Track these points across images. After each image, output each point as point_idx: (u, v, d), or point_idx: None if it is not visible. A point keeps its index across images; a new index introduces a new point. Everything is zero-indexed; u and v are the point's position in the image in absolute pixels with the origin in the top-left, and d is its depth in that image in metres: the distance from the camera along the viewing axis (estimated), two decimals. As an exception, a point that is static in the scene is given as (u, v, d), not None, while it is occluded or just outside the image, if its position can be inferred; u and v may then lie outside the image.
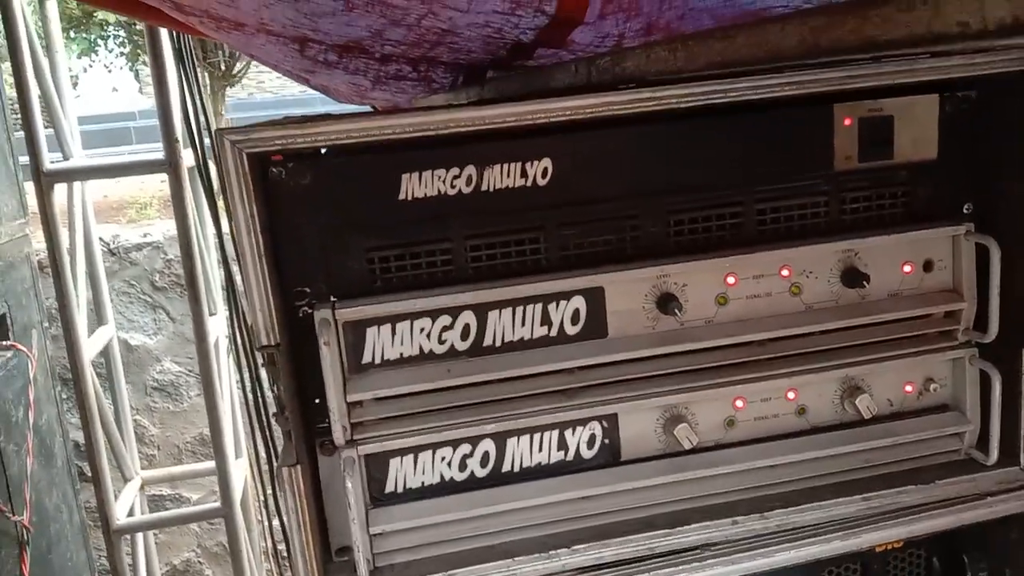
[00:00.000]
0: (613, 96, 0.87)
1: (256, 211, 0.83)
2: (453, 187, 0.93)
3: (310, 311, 0.91)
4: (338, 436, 0.90)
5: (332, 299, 0.91)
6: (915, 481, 1.04)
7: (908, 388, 1.07)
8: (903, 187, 1.04)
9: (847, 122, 1.01)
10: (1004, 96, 0.99)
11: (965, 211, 1.05)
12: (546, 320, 0.96)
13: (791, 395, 1.04)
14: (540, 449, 0.99)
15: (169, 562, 3.81)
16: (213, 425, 2.52)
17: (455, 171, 0.93)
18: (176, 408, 3.76)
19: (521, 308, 0.95)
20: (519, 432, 0.98)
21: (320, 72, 1.55)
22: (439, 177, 0.92)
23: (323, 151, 0.90)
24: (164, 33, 2.58)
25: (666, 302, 0.97)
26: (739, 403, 1.03)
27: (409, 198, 0.92)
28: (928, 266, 1.04)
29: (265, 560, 3.09)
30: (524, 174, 0.94)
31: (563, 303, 0.96)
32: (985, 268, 1.01)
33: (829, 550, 1.01)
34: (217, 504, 2.64)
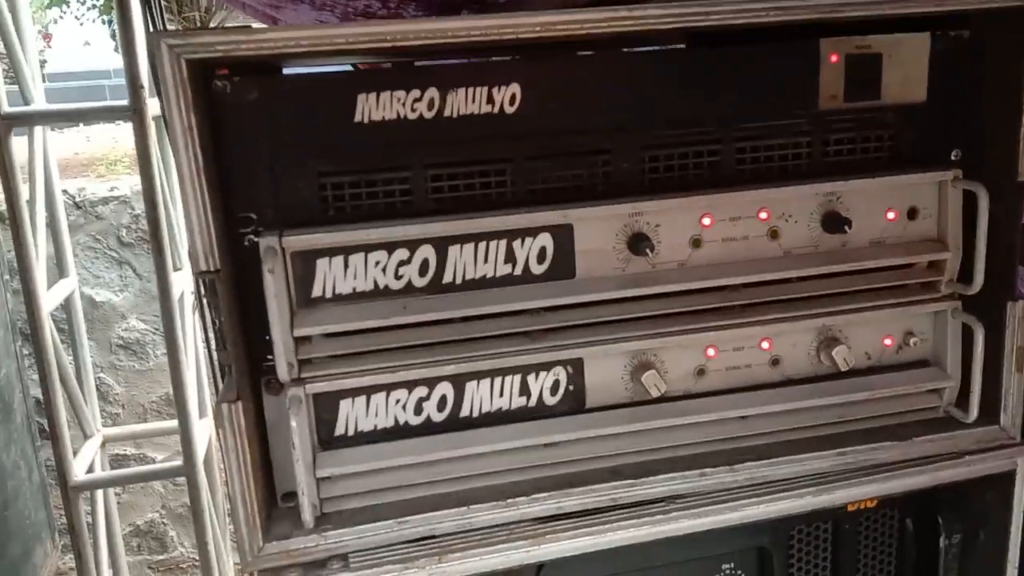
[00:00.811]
0: (587, 14, 0.81)
1: (194, 123, 0.76)
2: (413, 111, 0.87)
3: (256, 239, 0.84)
4: (283, 372, 0.84)
5: (280, 227, 0.85)
6: (892, 437, 1.00)
7: (887, 341, 1.03)
8: (890, 130, 0.99)
9: (833, 58, 0.95)
10: (999, 34, 0.94)
11: (953, 158, 1.00)
12: (510, 257, 0.91)
13: (765, 345, 0.99)
14: (501, 394, 0.94)
15: (132, 523, 3.74)
16: (176, 382, 2.45)
17: (415, 93, 0.86)
18: (142, 367, 3.67)
19: (484, 244, 0.90)
20: (479, 375, 0.93)
21: (286, 7, 1.47)
22: (398, 99, 0.86)
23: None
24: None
25: (638, 242, 0.92)
26: (711, 351, 0.98)
27: (366, 121, 0.86)
28: (912, 214, 1.00)
29: (230, 522, 3.04)
30: (491, 100, 0.88)
31: (529, 240, 0.91)
32: (972, 218, 0.97)
33: (800, 506, 0.97)
34: (179, 463, 2.58)
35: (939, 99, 0.99)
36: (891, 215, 0.99)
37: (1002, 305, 0.98)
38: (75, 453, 2.70)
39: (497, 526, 0.91)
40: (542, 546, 0.90)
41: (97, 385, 3.46)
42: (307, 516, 0.86)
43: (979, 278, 0.96)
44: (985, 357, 0.99)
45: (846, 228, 0.95)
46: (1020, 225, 0.95)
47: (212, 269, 0.79)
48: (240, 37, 0.76)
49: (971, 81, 0.98)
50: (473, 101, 0.88)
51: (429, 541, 0.89)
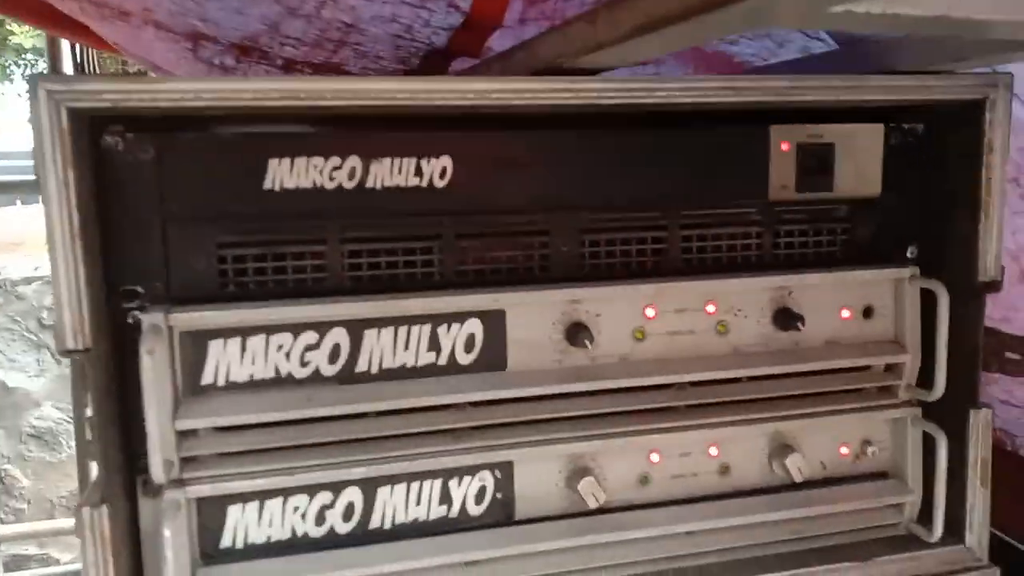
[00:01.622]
0: (524, 83, 0.75)
1: (71, 180, 0.67)
2: (332, 180, 0.78)
3: (141, 316, 0.74)
4: (157, 471, 0.72)
5: (170, 302, 0.74)
6: (850, 557, 0.91)
7: (843, 450, 0.95)
8: (843, 223, 0.93)
9: (784, 147, 0.90)
10: (954, 128, 0.90)
11: (910, 255, 0.95)
12: (435, 345, 0.81)
13: (713, 451, 0.90)
14: (418, 502, 0.83)
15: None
16: (81, 475, 2.25)
17: (335, 161, 0.78)
18: (53, 458, 3.43)
19: (405, 329, 0.80)
20: (393, 480, 0.82)
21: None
22: (315, 166, 0.78)
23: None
24: (66, 51, 2.42)
25: (576, 333, 0.83)
26: (654, 457, 0.89)
27: (277, 188, 0.77)
28: (868, 312, 0.93)
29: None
30: (419, 172, 0.80)
31: (456, 326, 0.82)
32: (931, 318, 0.90)
33: (752, 636, 0.86)
34: (78, 567, 2.35)
35: (894, 193, 0.94)
36: (846, 313, 0.92)
37: (965, 413, 0.91)
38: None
39: (406, 660, 0.78)
40: None
41: (2, 477, 3.21)
42: (178, 646, 0.73)
43: (940, 383, 0.90)
44: (949, 469, 0.91)
45: (799, 326, 0.88)
46: (982, 327, 0.89)
47: (80, 348, 0.68)
48: (132, 86, 0.67)
49: (927, 176, 0.94)
50: (399, 172, 0.80)
51: (325, 677, 0.76)
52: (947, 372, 0.89)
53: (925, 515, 0.94)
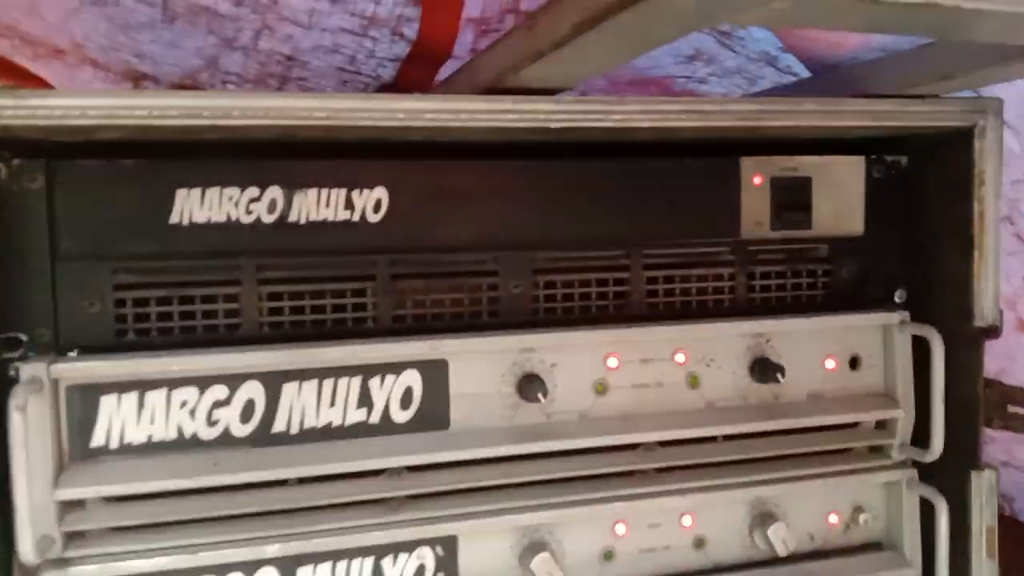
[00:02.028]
0: (462, 102, 0.66)
1: (-69, 207, 0.58)
2: (249, 213, 0.69)
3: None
4: (27, 550, 0.60)
5: (58, 352, 0.65)
6: (844, 643, 0.80)
7: (832, 519, 0.85)
8: (823, 264, 0.85)
9: (757, 180, 0.82)
10: (940, 160, 0.83)
11: (898, 299, 0.87)
12: (366, 401, 0.71)
13: (687, 521, 0.80)
14: (347, 583, 0.72)
15: None
16: None
17: (253, 192, 0.69)
18: None
19: (331, 382, 0.70)
20: (317, 558, 0.71)
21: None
22: (230, 198, 0.69)
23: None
24: None
25: (529, 385, 0.74)
26: (620, 529, 0.78)
27: (185, 223, 0.68)
28: (855, 363, 0.84)
29: None
30: (349, 205, 0.72)
31: (391, 378, 0.72)
32: (925, 369, 0.82)
33: None
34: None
35: (878, 231, 0.86)
36: (830, 364, 0.83)
37: (966, 475, 0.82)
38: None
39: None
40: None
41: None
42: None
43: (937, 442, 0.80)
44: (951, 539, 0.81)
45: (779, 377, 0.79)
46: (982, 378, 0.81)
47: (-65, 404, 0.58)
48: (6, 101, 0.58)
49: (914, 212, 0.86)
50: (327, 205, 0.71)
51: None
52: (945, 429, 0.80)
53: (927, 591, 0.84)
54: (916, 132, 0.80)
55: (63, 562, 0.64)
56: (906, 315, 0.84)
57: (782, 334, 0.81)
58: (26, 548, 0.61)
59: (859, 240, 0.86)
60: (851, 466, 0.83)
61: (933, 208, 0.85)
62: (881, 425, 0.84)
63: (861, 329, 0.84)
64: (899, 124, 0.77)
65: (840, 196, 0.85)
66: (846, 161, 0.85)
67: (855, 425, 0.84)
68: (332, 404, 0.70)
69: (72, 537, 0.64)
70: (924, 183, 0.85)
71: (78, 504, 0.65)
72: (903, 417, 0.83)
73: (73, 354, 0.65)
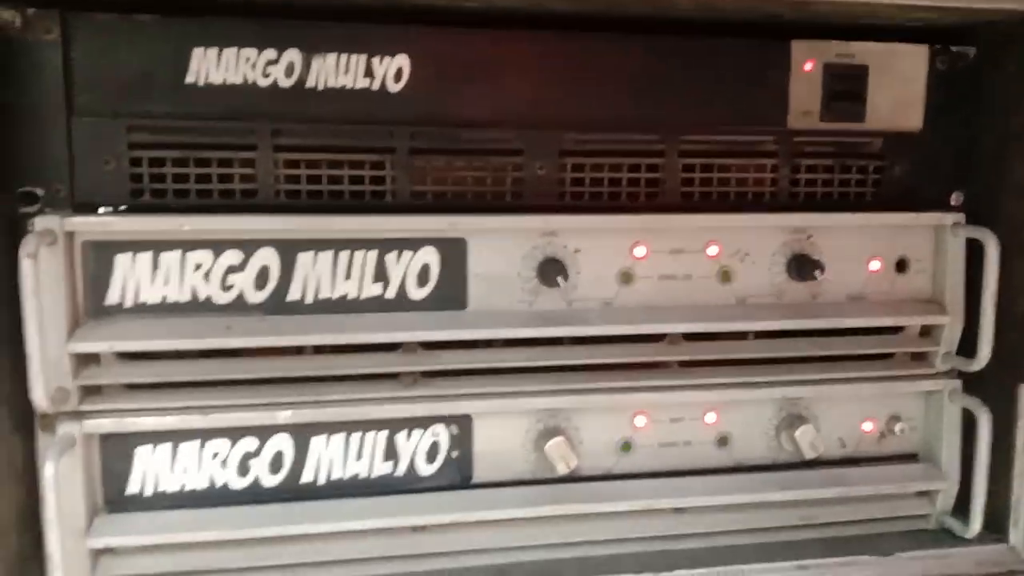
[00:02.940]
0: (489, -39, 0.63)
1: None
2: (266, 76, 0.67)
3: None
4: (40, 398, 0.61)
5: (73, 210, 0.64)
6: (868, 550, 0.77)
7: (867, 426, 0.81)
8: (875, 161, 0.80)
9: (808, 67, 0.77)
10: (1012, 54, 0.76)
11: (953, 202, 0.81)
12: (382, 275, 0.70)
13: (710, 418, 0.77)
14: (359, 456, 0.72)
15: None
16: None
17: (270, 54, 0.67)
18: None
19: (347, 254, 0.69)
20: (329, 428, 0.71)
21: None
22: (247, 59, 0.67)
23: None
24: None
25: (550, 270, 0.71)
26: (639, 420, 0.76)
27: (201, 82, 0.66)
28: (902, 265, 0.80)
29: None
30: (370, 72, 0.69)
31: (408, 254, 0.70)
32: (976, 275, 0.76)
33: (745, 635, 0.73)
34: None
35: (938, 129, 0.80)
36: (875, 265, 0.79)
37: (1013, 388, 0.77)
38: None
39: (331, 636, 0.67)
40: (389, 668, 0.66)
41: None
42: (58, 602, 0.63)
43: (984, 351, 0.76)
44: (992, 454, 0.77)
45: (817, 274, 0.75)
46: (1038, 283, 0.75)
47: (-52, 248, 0.58)
48: (15, -61, 0.57)
49: (979, 109, 0.80)
50: (346, 71, 0.69)
51: (234, 650, 0.66)
52: (993, 339, 0.75)
53: (961, 507, 0.81)
54: (988, 19, 0.73)
55: (78, 415, 0.65)
56: (961, 217, 0.78)
57: (825, 230, 0.77)
58: (39, 396, 0.61)
59: (916, 137, 0.80)
60: (891, 373, 0.79)
61: (1000, 107, 0.78)
62: (926, 332, 0.80)
63: (911, 229, 0.79)
64: (969, 6, 0.71)
65: (898, 88, 0.79)
66: (908, 50, 0.78)
67: (898, 330, 0.80)
68: (348, 276, 0.69)
69: (87, 392, 0.65)
70: (992, 79, 0.79)
71: (93, 360, 0.65)
72: (950, 324, 0.78)
73: (88, 211, 0.64)
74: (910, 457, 0.82)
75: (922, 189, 0.80)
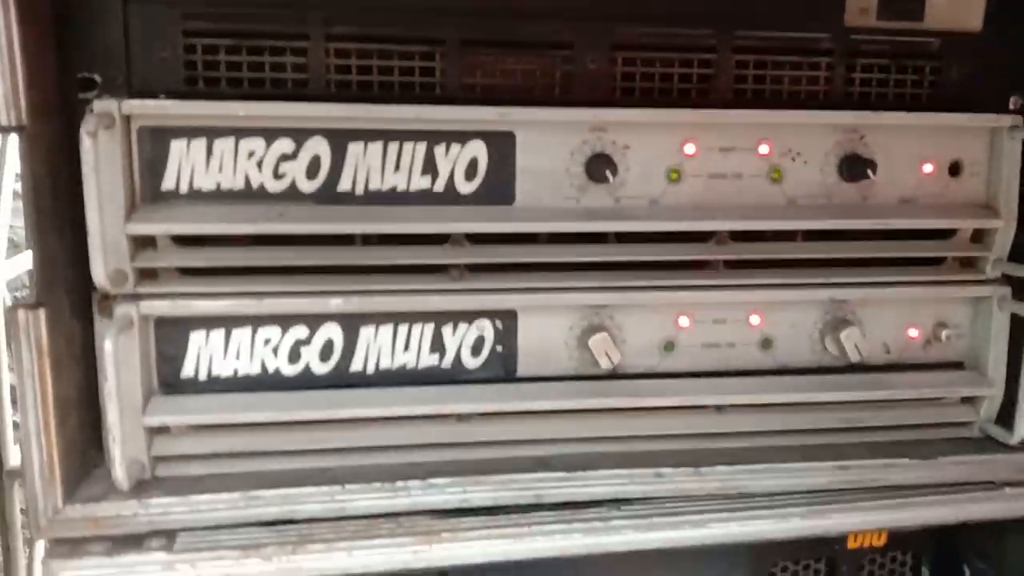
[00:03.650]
0: None
1: (2, -78, 0.57)
2: (318, -37, 0.67)
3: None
4: (99, 276, 0.63)
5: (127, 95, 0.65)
6: (910, 454, 0.78)
7: (912, 332, 0.81)
8: (933, 61, 0.78)
9: (868, -38, 0.75)
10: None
11: (1012, 106, 0.79)
12: (430, 168, 0.70)
13: (755, 319, 0.77)
14: (406, 347, 0.73)
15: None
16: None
17: (323, -59, 0.67)
18: None
19: (396, 145, 0.69)
20: (378, 319, 0.72)
21: None
22: (299, -54, 0.67)
23: None
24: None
25: (599, 165, 0.71)
26: (683, 321, 0.76)
27: (254, -31, 0.66)
28: (955, 169, 0.78)
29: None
30: (421, -38, 0.68)
31: (456, 147, 0.70)
32: (1032, 179, 0.75)
33: (784, 530, 0.74)
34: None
35: (999, 30, 0.78)
36: (928, 168, 0.78)
37: (1065, 294, 0.76)
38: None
39: (379, 515, 0.69)
40: (436, 547, 0.68)
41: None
42: (120, 473, 0.65)
43: (1037, 254, 0.75)
44: (1036, 358, 0.77)
45: (869, 173, 0.74)
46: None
47: (13, 124, 0.59)
48: None
49: (1042, 8, 0.77)
50: (398, -39, 0.68)
51: (286, 526, 0.68)
52: (1048, 241, 0.74)
53: (1005, 415, 0.80)
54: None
55: (135, 297, 0.66)
56: (1019, 120, 0.76)
57: (878, 130, 0.76)
58: (98, 274, 0.63)
59: (976, 37, 0.78)
60: (940, 278, 0.78)
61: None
62: (977, 238, 0.79)
63: (966, 131, 0.77)
64: None
65: (961, -15, 0.76)
66: (973, -58, 0.76)
67: (949, 235, 0.79)
68: (397, 168, 0.69)
69: (144, 275, 0.67)
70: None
71: (149, 243, 0.66)
72: (1002, 229, 0.77)
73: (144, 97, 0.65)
74: (955, 365, 0.82)
75: (980, 92, 0.79)
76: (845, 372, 0.79)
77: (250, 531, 0.67)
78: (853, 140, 0.76)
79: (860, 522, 0.76)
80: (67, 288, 0.65)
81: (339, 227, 0.68)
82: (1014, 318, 0.78)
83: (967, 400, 0.81)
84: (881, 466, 0.76)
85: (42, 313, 0.62)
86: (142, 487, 0.67)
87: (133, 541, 0.65)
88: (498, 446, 0.74)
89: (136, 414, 0.67)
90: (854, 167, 0.75)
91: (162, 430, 0.69)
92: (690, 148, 0.73)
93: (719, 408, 0.77)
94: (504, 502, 0.71)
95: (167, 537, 0.66)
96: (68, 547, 0.65)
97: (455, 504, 0.70)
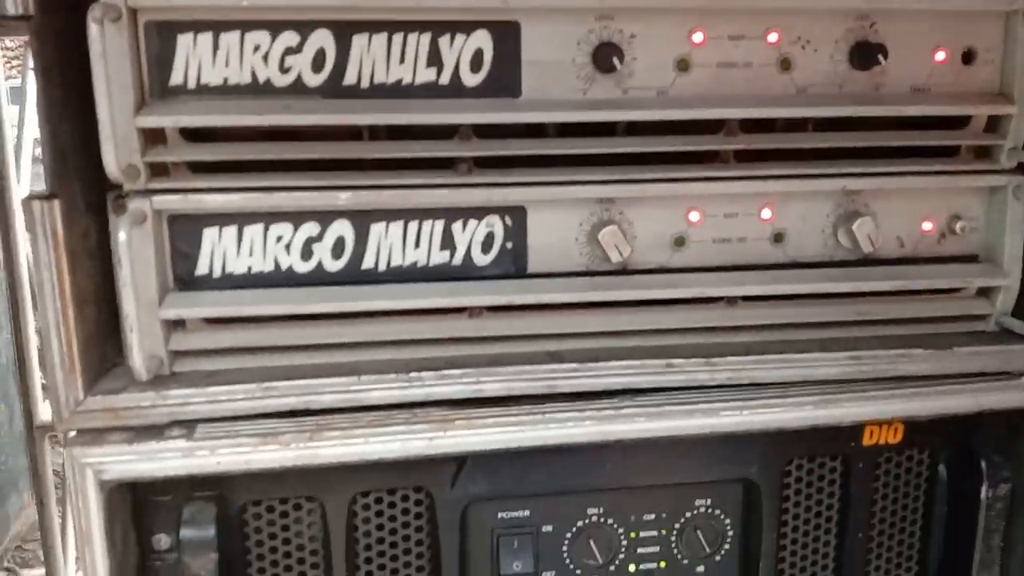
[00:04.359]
0: None
1: None
2: None
3: (104, 1, 0.65)
4: (111, 166, 0.64)
5: (133, -14, 0.65)
6: (924, 345, 0.77)
7: (926, 225, 0.80)
8: (946, -54, 0.76)
9: None
10: None
11: (1027, -10, 0.77)
12: (435, 59, 0.70)
13: (766, 213, 0.77)
14: (417, 244, 0.73)
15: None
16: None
17: None
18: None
19: (401, 37, 0.69)
20: (388, 216, 0.72)
21: None
22: None
23: None
24: None
25: (605, 54, 0.71)
26: (693, 215, 0.76)
27: None
28: (968, 56, 0.77)
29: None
30: None
31: (461, 38, 0.70)
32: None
33: (796, 419, 0.74)
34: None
35: (1014, -91, 0.76)
36: (940, 55, 0.76)
37: (1082, 179, 0.75)
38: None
39: (394, 406, 0.70)
40: (450, 435, 0.69)
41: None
42: (138, 363, 0.66)
43: (1054, 140, 0.74)
44: (1055, 250, 0.76)
45: (880, 59, 0.73)
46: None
47: (19, 12, 0.60)
48: None
49: None
50: None
51: (303, 417, 0.69)
52: (1064, 125, 0.73)
53: (1022, 308, 0.80)
54: None
55: (147, 192, 0.67)
56: (1035, 2, 0.75)
57: (889, 16, 0.74)
58: (111, 167, 0.64)
59: (991, -83, 0.76)
60: (954, 167, 0.78)
61: None
62: (992, 124, 0.78)
63: (980, 17, 0.76)
64: None
65: None
66: None
67: (963, 124, 0.78)
68: (402, 61, 0.69)
69: (155, 171, 0.67)
70: None
71: (160, 139, 0.67)
72: (1017, 116, 0.76)
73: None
74: (971, 258, 0.81)
75: (993, -24, 0.77)
76: (858, 266, 0.79)
77: (268, 421, 0.68)
78: (864, 27, 0.75)
79: (874, 412, 0.76)
80: (81, 183, 0.66)
81: (345, 118, 0.68)
82: (1030, 207, 0.78)
83: (982, 292, 0.81)
84: (894, 357, 0.76)
85: (56, 204, 0.63)
86: (160, 381, 0.69)
87: (154, 431, 0.67)
88: (510, 341, 0.74)
89: (152, 308, 0.68)
90: (865, 55, 0.74)
91: (178, 325, 0.70)
92: (698, 37, 0.73)
93: (730, 301, 0.77)
94: (517, 392, 0.71)
95: (187, 427, 0.67)
96: (90, 436, 0.66)
97: (469, 394, 0.71)
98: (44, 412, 2.55)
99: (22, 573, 2.35)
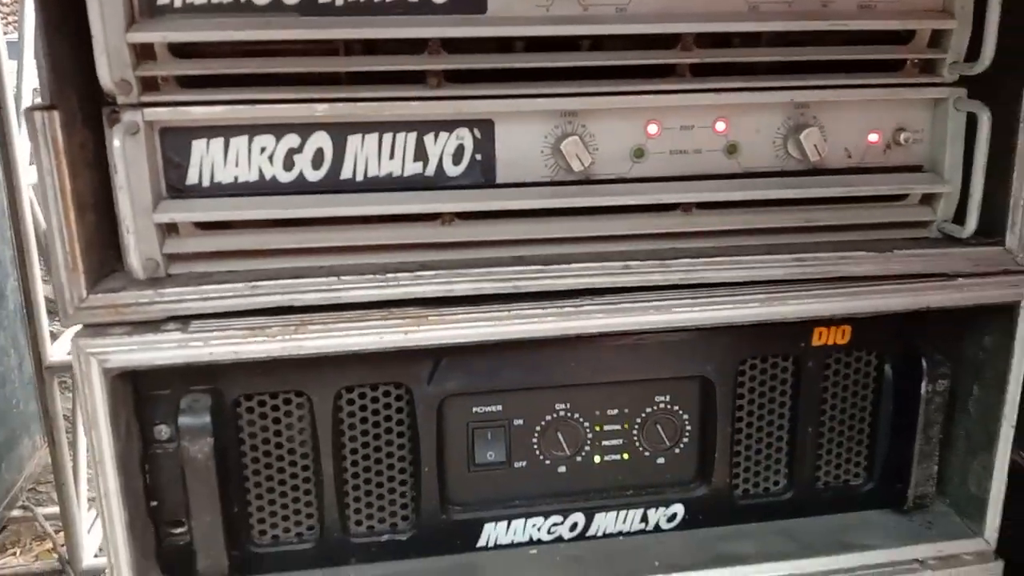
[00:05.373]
0: None
1: None
2: None
3: (92, -77, 0.69)
4: (105, 78, 0.69)
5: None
6: (867, 249, 0.83)
7: (872, 137, 0.85)
8: None
9: None
10: None
11: (972, -89, 0.81)
12: (405, -20, 0.75)
13: (720, 126, 0.82)
14: (391, 155, 0.79)
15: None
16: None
17: None
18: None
19: (372, -42, 0.74)
20: (363, 128, 0.77)
21: None
22: None
23: None
24: None
25: (563, -31, 0.75)
26: (652, 128, 0.81)
27: None
28: (914, -27, 0.81)
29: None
30: None
31: (429, -41, 0.74)
32: (986, -21, 0.78)
33: (744, 316, 0.80)
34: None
35: None
36: (887, -27, 0.81)
37: (1017, 89, 0.80)
38: (56, 335, 2.62)
39: (372, 304, 0.76)
40: (423, 330, 0.75)
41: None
42: (135, 263, 0.72)
43: (988, 51, 0.78)
44: (992, 158, 0.81)
45: (827, -25, 0.77)
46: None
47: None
48: None
49: None
50: None
51: (287, 315, 0.75)
52: (997, 39, 0.78)
53: (962, 214, 0.85)
54: None
55: (140, 105, 0.72)
56: (977, -81, 0.79)
57: (836, -64, 0.79)
58: (105, 80, 0.69)
59: None
60: (898, 80, 0.82)
61: None
62: (935, 42, 0.82)
63: (924, -65, 0.80)
64: None
65: None
66: None
67: (907, 40, 0.82)
68: (373, -22, 0.74)
69: (147, 85, 0.72)
70: None
71: (150, 55, 0.72)
72: (958, 30, 0.81)
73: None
74: (915, 168, 0.86)
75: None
76: (808, 174, 0.84)
77: (256, 318, 0.74)
78: (812, -54, 0.79)
79: (818, 309, 0.81)
80: (78, 96, 0.72)
81: (321, 32, 0.73)
82: (970, 117, 0.82)
83: (925, 200, 0.86)
84: (838, 259, 0.82)
85: (56, 115, 0.68)
86: (157, 281, 0.75)
87: (152, 325, 0.73)
88: (479, 247, 0.80)
89: (147, 213, 0.73)
90: (813, -29, 0.78)
91: (172, 230, 0.76)
92: (653, -44, 0.77)
93: (685, 208, 0.82)
94: (486, 292, 0.77)
95: (182, 322, 0.74)
96: (94, 330, 0.72)
97: (441, 293, 0.77)
98: (53, 353, 2.61)
99: (38, 511, 2.44)
